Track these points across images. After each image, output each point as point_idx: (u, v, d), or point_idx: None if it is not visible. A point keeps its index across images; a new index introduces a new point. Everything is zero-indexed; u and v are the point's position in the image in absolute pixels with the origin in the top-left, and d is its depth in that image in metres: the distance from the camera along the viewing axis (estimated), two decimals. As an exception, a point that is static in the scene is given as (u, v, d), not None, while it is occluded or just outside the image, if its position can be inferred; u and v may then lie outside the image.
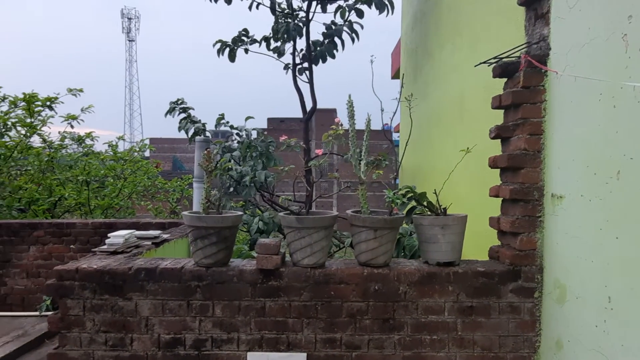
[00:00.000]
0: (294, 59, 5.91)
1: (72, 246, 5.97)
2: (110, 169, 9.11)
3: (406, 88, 6.15)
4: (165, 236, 4.07)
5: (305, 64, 5.87)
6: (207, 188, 2.65)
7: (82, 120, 8.87)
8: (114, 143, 9.84)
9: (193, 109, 6.06)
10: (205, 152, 2.65)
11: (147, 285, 2.78)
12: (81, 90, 7.77)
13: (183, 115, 5.96)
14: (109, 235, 3.31)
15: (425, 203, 2.88)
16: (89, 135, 9.86)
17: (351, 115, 2.68)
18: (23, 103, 7.22)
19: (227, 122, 6.05)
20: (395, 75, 11.27)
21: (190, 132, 5.92)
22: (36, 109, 7.37)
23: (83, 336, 2.85)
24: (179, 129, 6.05)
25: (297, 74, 5.94)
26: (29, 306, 6.00)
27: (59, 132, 9.25)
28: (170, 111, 5.97)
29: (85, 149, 9.66)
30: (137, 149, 10.43)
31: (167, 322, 2.81)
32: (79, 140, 9.53)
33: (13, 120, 7.24)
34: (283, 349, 2.81)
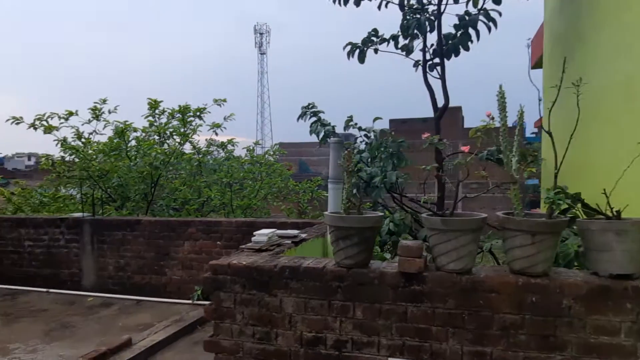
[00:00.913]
0: (424, 55, 5.69)
1: (218, 242, 6.54)
2: (248, 172, 9.88)
3: (553, 76, 5.51)
4: (303, 235, 4.21)
5: (436, 60, 5.62)
6: (349, 188, 2.64)
7: (224, 127, 9.76)
8: (251, 148, 10.71)
9: (323, 112, 6.21)
10: (346, 152, 2.64)
11: (291, 283, 2.88)
12: (224, 101, 8.55)
13: (314, 119, 6.14)
14: (254, 233, 3.52)
15: (579, 205, 2.49)
16: (230, 141, 10.82)
17: (502, 108, 2.44)
18: (179, 115, 8.23)
19: (356, 124, 6.08)
20: (537, 64, 10.21)
21: (321, 135, 6.06)
22: (188, 119, 8.34)
23: (234, 327, 3.06)
24: (310, 132, 6.23)
25: (427, 70, 5.72)
26: (184, 294, 6.73)
27: (205, 140, 10.30)
28: (302, 115, 6.19)
29: (227, 154, 10.60)
30: (272, 153, 11.15)
31: (309, 321, 2.87)
32: (222, 146, 10.50)
33: (170, 130, 8.31)
34: (426, 358, 2.67)
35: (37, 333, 5.58)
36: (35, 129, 7.90)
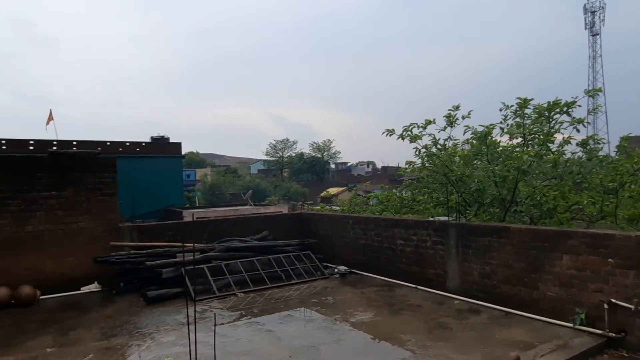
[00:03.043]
0: None
1: (610, 260, 5.41)
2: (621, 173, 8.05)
3: None
4: None
5: None
6: None
7: (587, 122, 8.30)
8: (592, 144, 8.69)
9: None
10: None
11: None
12: (599, 90, 7.25)
13: None
14: None
15: None
16: (591, 137, 9.19)
17: None
18: (545, 112, 7.47)
19: None
20: None
21: None
22: (554, 116, 7.46)
23: None
24: None
25: None
26: (560, 315, 5.91)
27: (563, 138, 9.05)
28: None
29: (589, 153, 9.02)
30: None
31: None
32: (583, 144, 9.01)
33: (535, 129, 7.62)
34: None
35: (419, 328, 5.97)
36: (403, 138, 8.74)
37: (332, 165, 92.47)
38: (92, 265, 8.41)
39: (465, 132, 8.50)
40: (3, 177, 7.79)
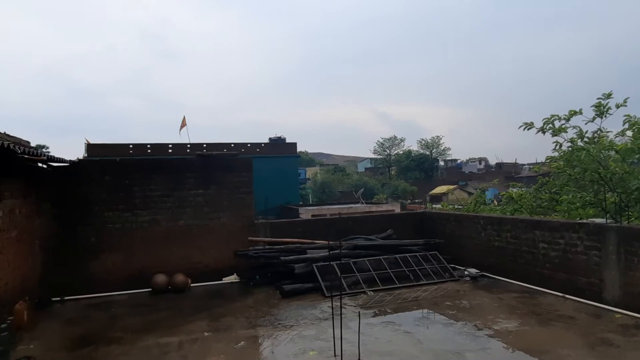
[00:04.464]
0: None
1: None
2: None
3: None
4: None
5: None
6: None
7: None
8: None
9: None
10: None
11: None
12: None
13: None
14: None
15: None
16: None
17: None
18: None
19: None
20: None
21: None
22: None
23: None
24: None
25: None
26: None
27: None
28: None
29: None
30: None
31: None
32: None
33: None
34: None
35: (578, 343, 5.38)
36: (544, 132, 8.01)
37: (441, 163, 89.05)
38: (231, 257, 9.10)
39: (624, 123, 7.49)
40: (162, 178, 8.79)
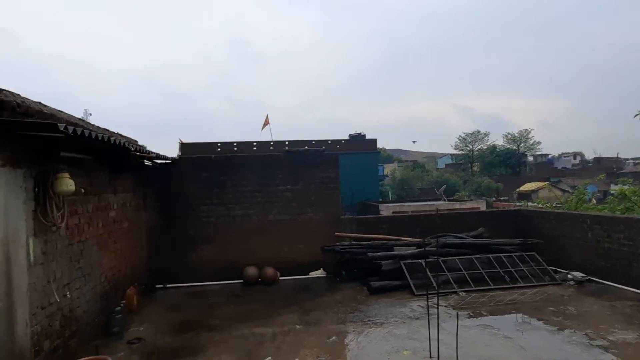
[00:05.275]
0: None
1: None
2: None
3: None
4: None
5: None
6: None
7: None
8: None
9: None
10: None
11: None
12: None
13: None
14: None
15: None
16: None
17: None
18: None
19: None
20: None
21: None
22: None
23: None
24: None
25: None
26: None
27: None
28: None
29: None
30: None
31: None
32: None
33: None
34: None
35: None
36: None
37: (530, 158, 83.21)
38: (318, 252, 9.19)
39: None
40: (252, 174, 9.13)
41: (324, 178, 9.32)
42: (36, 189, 4.28)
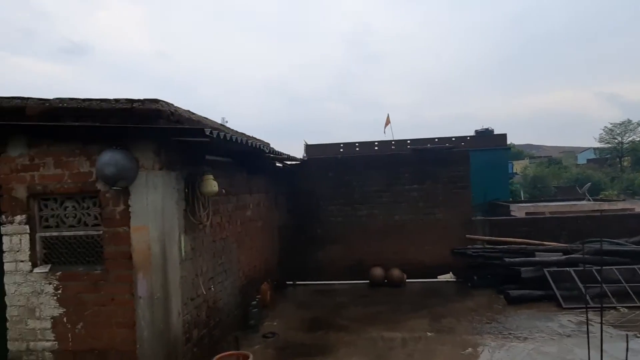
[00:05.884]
0: None
1: None
2: None
3: None
4: None
5: None
6: None
7: None
8: None
9: None
10: None
11: None
12: None
13: None
14: None
15: None
16: None
17: None
18: None
19: None
20: None
21: None
22: None
23: None
24: None
25: None
26: None
27: None
28: None
29: None
30: None
31: None
32: None
33: None
34: None
35: None
36: None
37: (700, 150, 69.51)
38: (446, 255, 8.71)
39: None
40: (378, 174, 9.02)
41: (453, 177, 8.79)
42: (186, 190, 4.67)
